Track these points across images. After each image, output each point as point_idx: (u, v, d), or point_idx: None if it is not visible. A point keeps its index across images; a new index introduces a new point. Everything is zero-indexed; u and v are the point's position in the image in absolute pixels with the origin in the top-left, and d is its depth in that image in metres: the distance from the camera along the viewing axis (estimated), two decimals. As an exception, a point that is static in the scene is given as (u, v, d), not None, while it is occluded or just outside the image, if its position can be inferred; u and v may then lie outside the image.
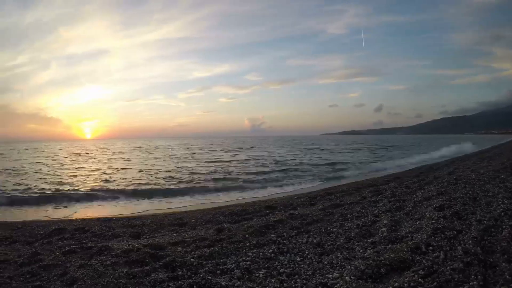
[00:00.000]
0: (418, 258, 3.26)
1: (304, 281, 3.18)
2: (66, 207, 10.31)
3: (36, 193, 12.59)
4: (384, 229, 4.40)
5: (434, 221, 4.25)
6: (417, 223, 4.41)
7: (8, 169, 21.12)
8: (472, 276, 2.74)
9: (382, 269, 3.12)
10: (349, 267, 3.27)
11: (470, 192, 6.03)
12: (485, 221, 4.13)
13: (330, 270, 3.36)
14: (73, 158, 32.87)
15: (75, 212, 9.57)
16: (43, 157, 35.45)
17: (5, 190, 13.11)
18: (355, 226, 4.77)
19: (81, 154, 39.59)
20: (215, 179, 15.59)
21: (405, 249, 3.48)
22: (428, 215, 4.57)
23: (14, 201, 11.12)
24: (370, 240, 4.06)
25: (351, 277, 3.02)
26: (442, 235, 3.71)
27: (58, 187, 13.94)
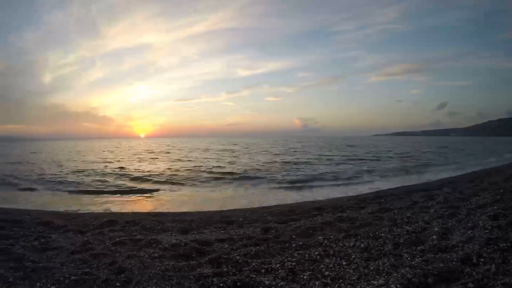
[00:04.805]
0: (468, 269, 3.28)
1: (349, 286, 3.37)
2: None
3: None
4: (434, 236, 4.44)
5: (487, 231, 4.21)
6: (469, 232, 4.39)
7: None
8: (524, 293, 2.79)
9: (429, 279, 3.19)
10: (395, 274, 3.37)
11: (528, 200, 5.83)
12: (542, 233, 4.05)
13: (376, 276, 3.49)
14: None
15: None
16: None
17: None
18: (404, 232, 4.83)
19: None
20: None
21: (455, 259, 3.52)
22: (481, 224, 4.52)
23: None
24: (419, 248, 4.11)
25: (397, 285, 3.14)
26: (495, 247, 3.68)
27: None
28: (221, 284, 3.50)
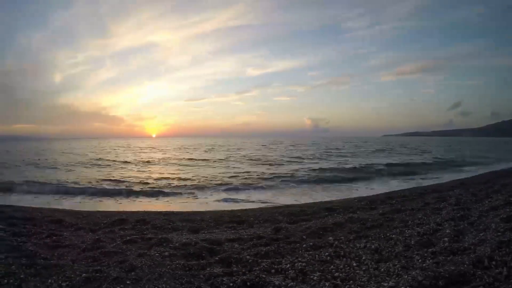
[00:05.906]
0: (479, 272, 3.27)
1: (358, 288, 3.39)
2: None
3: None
4: (446, 239, 4.44)
5: (499, 233, 4.20)
6: (481, 234, 4.39)
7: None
8: (536, 297, 2.78)
9: (440, 282, 3.18)
10: (406, 276, 3.37)
11: (541, 202, 5.77)
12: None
13: (386, 278, 3.49)
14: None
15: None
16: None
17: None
18: (415, 233, 4.84)
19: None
20: None
21: (467, 262, 3.50)
22: (493, 227, 4.52)
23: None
24: (430, 250, 4.11)
25: (407, 287, 3.15)
26: (507, 250, 3.65)
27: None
28: (231, 284, 3.54)
